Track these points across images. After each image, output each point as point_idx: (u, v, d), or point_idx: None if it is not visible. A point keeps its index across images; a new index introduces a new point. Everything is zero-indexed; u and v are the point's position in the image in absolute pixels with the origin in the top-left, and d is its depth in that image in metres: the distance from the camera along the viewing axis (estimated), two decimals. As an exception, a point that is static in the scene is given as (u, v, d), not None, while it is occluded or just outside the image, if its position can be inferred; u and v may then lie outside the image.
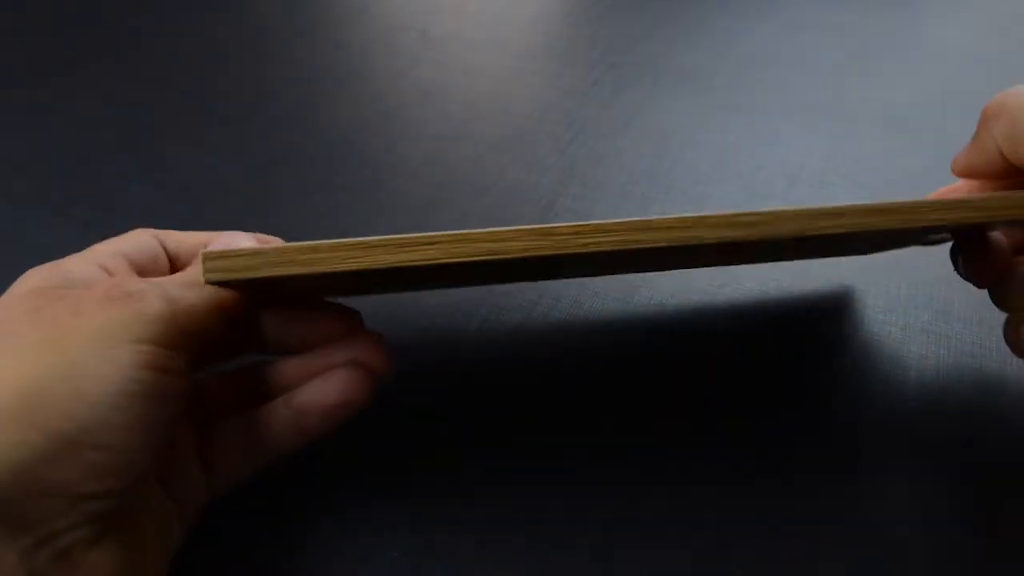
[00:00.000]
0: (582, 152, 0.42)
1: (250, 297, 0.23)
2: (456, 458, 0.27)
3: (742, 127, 0.44)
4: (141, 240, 0.23)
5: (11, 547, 0.16)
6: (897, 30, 0.56)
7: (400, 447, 0.27)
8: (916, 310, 0.33)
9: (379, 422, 0.27)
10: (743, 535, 0.25)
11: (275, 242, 0.24)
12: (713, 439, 0.28)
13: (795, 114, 0.46)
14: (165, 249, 0.24)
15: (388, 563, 0.24)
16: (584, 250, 0.19)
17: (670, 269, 0.33)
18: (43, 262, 0.22)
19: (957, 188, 0.29)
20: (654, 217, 0.19)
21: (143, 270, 0.23)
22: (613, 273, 0.32)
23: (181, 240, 0.24)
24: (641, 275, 0.34)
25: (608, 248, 0.19)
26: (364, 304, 0.31)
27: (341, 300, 0.30)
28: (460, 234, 0.19)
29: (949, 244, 0.29)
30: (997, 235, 0.27)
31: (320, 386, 0.23)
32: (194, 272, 0.21)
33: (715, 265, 0.32)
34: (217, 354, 0.24)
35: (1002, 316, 0.27)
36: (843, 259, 0.35)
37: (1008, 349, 0.30)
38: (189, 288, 0.20)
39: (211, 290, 0.21)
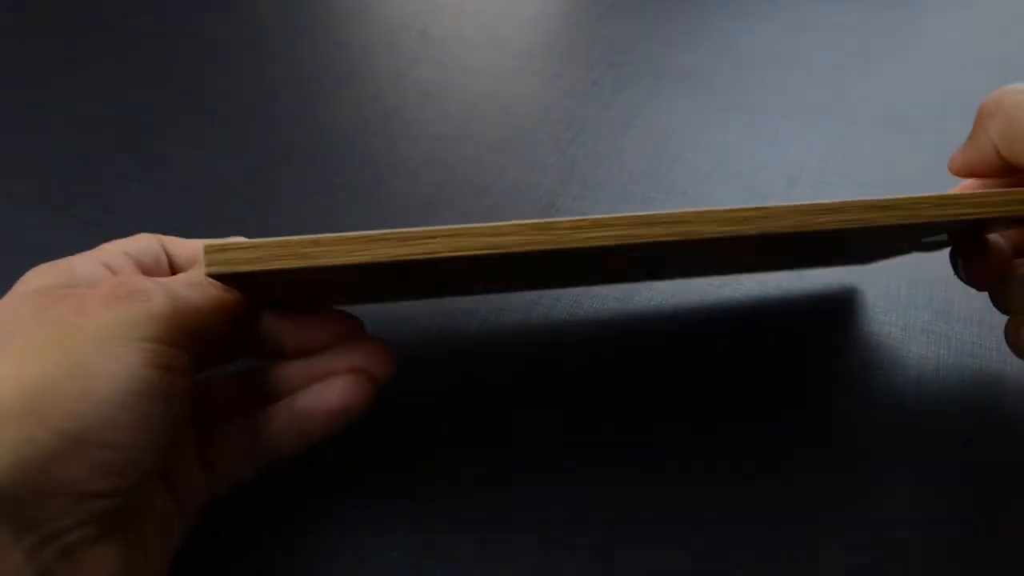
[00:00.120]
0: (582, 152, 0.42)
1: (251, 298, 0.23)
2: (456, 458, 0.27)
3: (742, 127, 0.44)
4: (145, 242, 0.23)
5: (17, 545, 0.16)
6: (897, 30, 0.56)
7: (400, 447, 0.27)
8: (916, 310, 0.33)
9: (379, 422, 0.27)
10: (743, 535, 0.25)
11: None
12: (713, 439, 0.28)
13: (795, 114, 0.46)
14: (167, 253, 0.24)
15: (388, 563, 0.24)
16: (583, 244, 0.19)
17: (669, 277, 0.33)
18: (43, 262, 0.22)
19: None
20: (653, 212, 0.19)
21: (146, 271, 0.23)
22: (611, 282, 0.32)
23: (183, 246, 0.24)
24: (641, 275, 0.34)
25: (607, 243, 0.19)
26: (364, 305, 0.31)
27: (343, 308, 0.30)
28: (460, 228, 0.19)
29: (948, 249, 0.29)
30: (996, 237, 0.27)
31: (322, 390, 0.23)
32: (197, 273, 0.21)
33: (715, 273, 0.32)
34: (218, 356, 0.24)
35: (1002, 316, 0.27)
36: (843, 260, 0.35)
37: (1008, 349, 0.30)
38: (193, 287, 0.20)
39: (213, 290, 0.21)
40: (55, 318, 0.19)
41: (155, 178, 0.39)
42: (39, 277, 0.21)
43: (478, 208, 0.38)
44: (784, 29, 0.55)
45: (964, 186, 0.28)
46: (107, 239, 0.26)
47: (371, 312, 0.31)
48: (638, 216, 0.19)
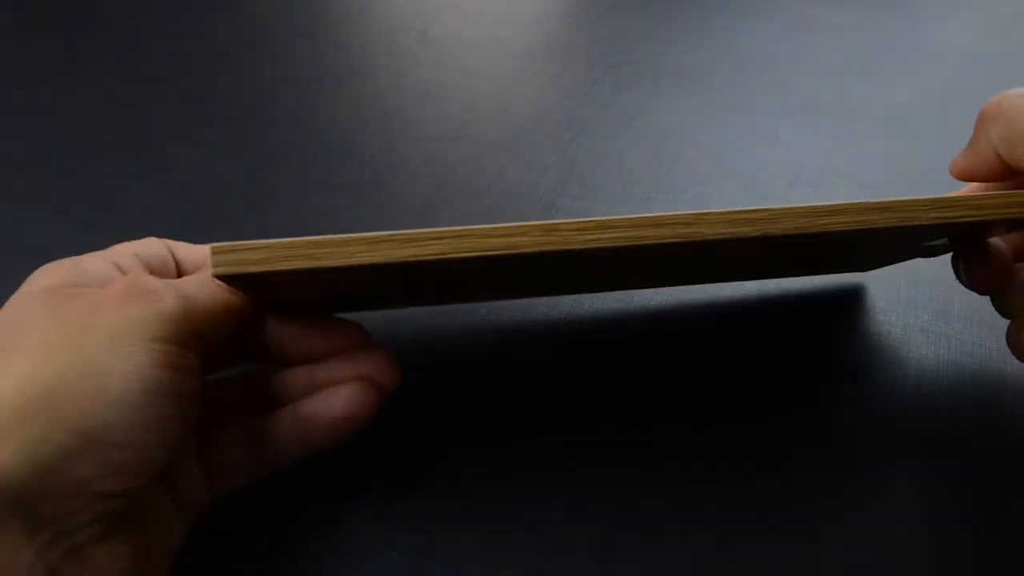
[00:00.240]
0: (582, 152, 0.42)
1: (256, 302, 0.23)
2: (456, 458, 0.27)
3: (742, 127, 0.44)
4: (153, 246, 0.24)
5: (28, 544, 0.16)
6: (897, 30, 0.56)
7: (400, 447, 0.27)
8: (916, 310, 0.33)
9: (379, 422, 0.27)
10: (743, 535, 0.25)
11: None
12: (713, 439, 0.28)
13: (795, 114, 0.46)
14: (174, 257, 0.24)
15: (388, 563, 0.24)
16: (588, 246, 0.19)
17: (670, 284, 0.33)
18: (43, 262, 0.22)
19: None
20: (657, 214, 0.20)
21: (154, 273, 0.23)
22: (611, 288, 0.32)
23: (189, 250, 0.25)
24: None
25: (613, 244, 0.19)
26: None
27: (346, 315, 0.30)
28: (466, 229, 0.19)
29: (950, 254, 0.29)
30: (997, 241, 0.27)
31: (327, 398, 0.23)
32: (205, 275, 0.21)
33: (716, 280, 0.32)
34: (223, 359, 0.24)
35: (1002, 317, 0.27)
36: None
37: (1008, 349, 0.30)
38: (201, 289, 0.21)
39: (220, 293, 0.21)
40: (67, 317, 0.19)
41: (155, 178, 0.39)
42: (49, 276, 0.21)
43: (478, 208, 0.38)
44: (784, 29, 0.55)
45: (966, 190, 0.28)
46: (107, 239, 0.26)
47: (371, 313, 0.31)
48: (643, 218, 0.19)
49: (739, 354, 0.31)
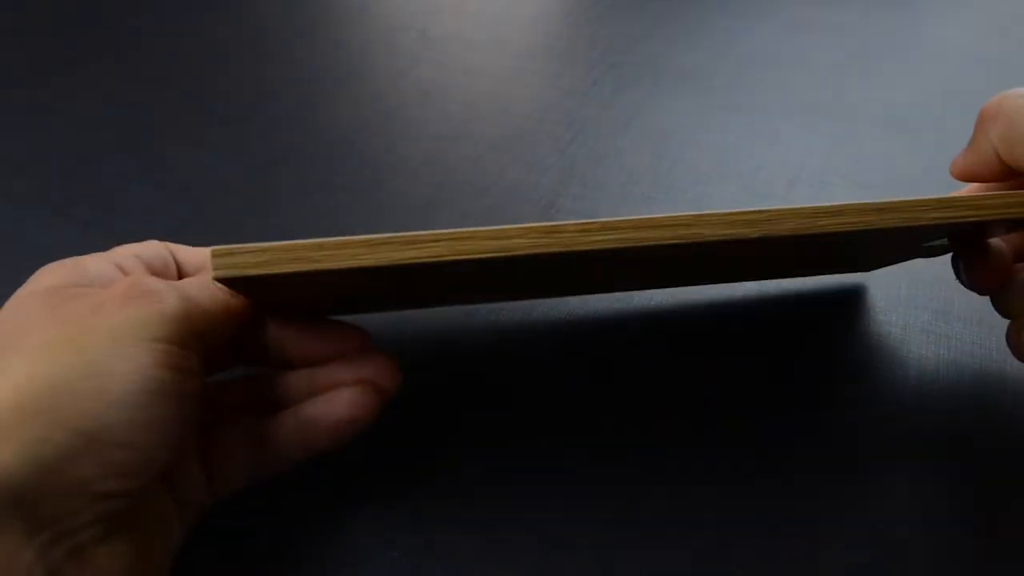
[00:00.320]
0: (582, 152, 0.42)
1: (256, 305, 0.23)
2: (456, 458, 0.27)
3: (742, 127, 0.44)
4: (154, 248, 0.24)
5: (29, 544, 0.16)
6: (897, 30, 0.56)
7: (400, 447, 0.27)
8: (916, 310, 0.33)
9: (379, 422, 0.27)
10: (743, 535, 0.25)
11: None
12: (713, 439, 0.28)
13: (795, 114, 0.46)
14: (175, 260, 0.24)
15: (388, 563, 0.24)
16: (590, 247, 0.19)
17: (670, 285, 0.33)
18: (43, 262, 0.22)
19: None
20: (658, 215, 0.20)
21: (156, 275, 0.23)
22: (611, 290, 0.32)
23: (190, 253, 0.25)
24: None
25: (613, 246, 0.19)
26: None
27: (346, 318, 0.30)
28: (467, 231, 0.19)
29: (950, 254, 0.29)
30: (997, 242, 0.27)
31: (329, 401, 0.23)
32: (205, 277, 0.21)
33: (716, 281, 0.32)
34: (224, 361, 0.24)
35: (1002, 317, 0.27)
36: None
37: (1008, 349, 0.30)
38: (202, 290, 0.21)
39: (221, 294, 0.21)
40: (69, 317, 0.19)
41: (155, 178, 0.39)
42: (50, 275, 0.21)
43: (478, 208, 0.38)
44: (784, 29, 0.55)
45: (966, 190, 0.28)
46: (107, 239, 0.26)
47: (371, 313, 0.31)
48: (643, 219, 0.19)
49: (739, 354, 0.31)
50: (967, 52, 0.53)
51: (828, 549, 0.24)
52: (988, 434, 0.28)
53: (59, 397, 0.17)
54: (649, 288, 0.33)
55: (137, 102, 0.45)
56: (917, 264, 0.35)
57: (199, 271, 0.24)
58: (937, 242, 0.27)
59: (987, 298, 0.28)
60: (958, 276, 0.28)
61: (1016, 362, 0.31)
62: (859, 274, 0.35)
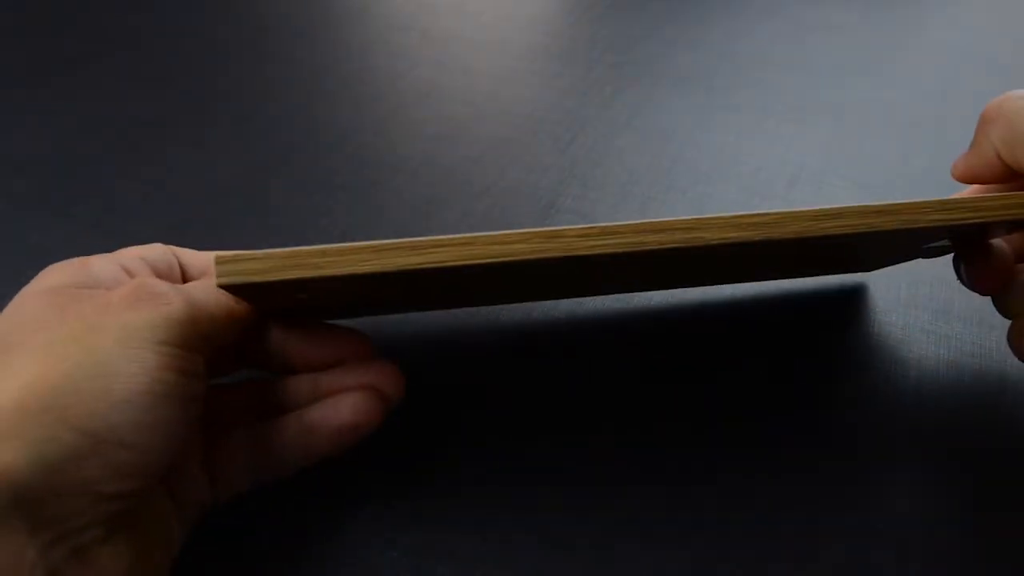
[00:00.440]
0: (582, 152, 0.42)
1: (259, 309, 0.23)
2: (456, 458, 0.27)
3: (742, 127, 0.44)
4: (159, 251, 0.24)
5: (31, 544, 0.16)
6: (897, 30, 0.56)
7: (400, 447, 0.27)
8: (916, 310, 0.33)
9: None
10: (743, 535, 0.25)
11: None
12: (713, 439, 0.28)
13: (795, 114, 0.46)
14: (179, 263, 0.24)
15: (388, 563, 0.24)
16: (591, 252, 0.19)
17: (671, 286, 0.33)
18: (43, 262, 0.22)
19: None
20: (659, 219, 0.20)
21: (160, 277, 0.23)
22: (611, 292, 0.32)
23: (194, 256, 0.25)
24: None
25: (614, 250, 0.19)
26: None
27: (347, 321, 0.30)
28: (469, 237, 0.19)
29: (951, 255, 0.29)
30: (999, 242, 0.27)
31: (333, 406, 0.23)
32: (210, 282, 0.21)
33: (716, 282, 0.32)
34: (226, 365, 0.24)
35: (1003, 317, 0.27)
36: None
37: (1009, 349, 0.30)
38: (207, 294, 0.21)
39: (226, 298, 0.21)
40: (75, 317, 0.19)
41: (155, 178, 0.39)
42: (55, 275, 0.21)
43: (478, 208, 0.38)
44: (784, 29, 0.55)
45: (967, 192, 0.28)
46: (107, 239, 0.26)
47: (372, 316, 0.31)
48: (645, 223, 0.20)
49: (739, 354, 0.31)
50: (967, 52, 0.53)
51: (828, 549, 0.24)
52: (988, 434, 0.28)
53: (65, 397, 0.17)
54: (649, 289, 0.33)
55: (137, 102, 0.45)
56: (917, 264, 0.35)
57: (203, 275, 0.24)
58: (938, 243, 0.27)
59: (987, 298, 0.28)
60: (959, 277, 0.28)
61: (1016, 362, 0.31)
62: (859, 274, 0.35)
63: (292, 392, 0.24)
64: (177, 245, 0.35)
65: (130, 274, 0.22)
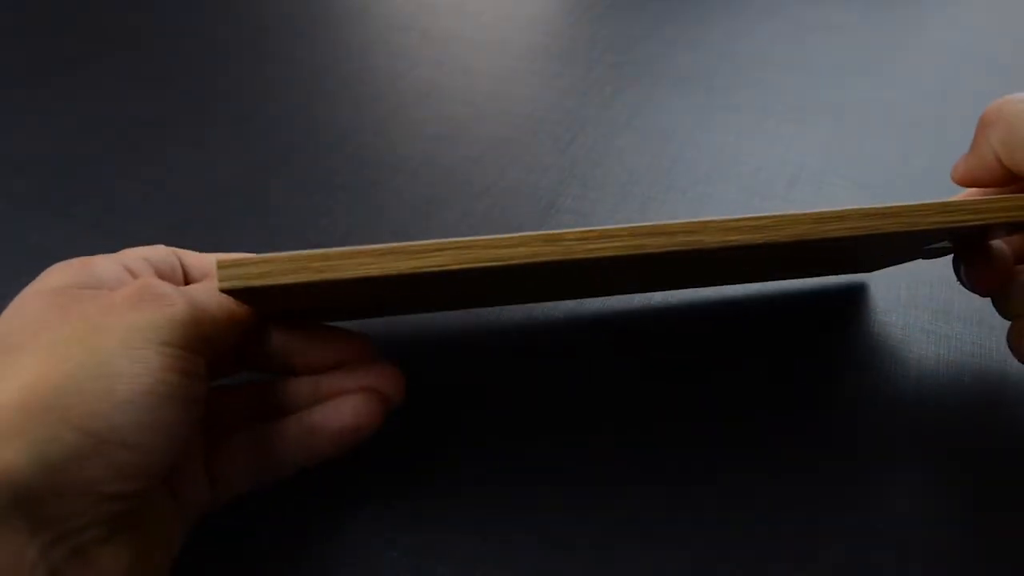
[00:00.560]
0: (582, 152, 0.42)
1: (261, 312, 0.23)
2: (456, 458, 0.27)
3: (742, 127, 0.44)
4: (162, 252, 0.24)
5: (31, 543, 0.16)
6: (897, 30, 0.56)
7: (400, 447, 0.27)
8: (916, 310, 0.33)
9: (379, 422, 0.27)
10: (743, 535, 0.25)
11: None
12: (713, 439, 0.28)
13: (795, 114, 0.46)
14: (182, 265, 0.24)
15: (388, 563, 0.24)
16: (590, 255, 0.19)
17: (671, 287, 0.33)
18: (43, 262, 0.22)
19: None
20: (659, 223, 0.20)
21: (163, 278, 0.23)
22: (612, 293, 0.32)
23: (196, 258, 0.25)
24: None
25: (614, 253, 0.19)
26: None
27: (348, 322, 0.30)
28: (469, 241, 0.19)
29: (951, 256, 0.29)
30: (999, 243, 0.27)
31: (333, 408, 0.23)
32: (212, 284, 0.22)
33: (716, 283, 0.32)
34: (227, 367, 0.24)
35: (1002, 317, 0.28)
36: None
37: (1008, 349, 0.30)
38: (210, 296, 0.21)
39: (227, 301, 0.21)
40: (79, 317, 0.19)
41: (155, 178, 0.39)
42: (58, 275, 0.21)
43: (478, 208, 0.38)
44: (784, 29, 0.55)
45: (967, 194, 0.28)
46: (107, 239, 0.26)
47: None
48: (644, 227, 0.20)
49: (739, 354, 0.31)
50: (967, 52, 0.53)
51: (828, 549, 0.24)
52: (988, 434, 0.28)
53: (67, 396, 0.17)
54: (650, 290, 0.33)
55: (137, 102, 0.45)
56: (917, 264, 0.35)
57: (205, 277, 0.24)
58: (939, 244, 0.27)
59: (987, 299, 0.28)
60: (959, 277, 0.28)
61: (1016, 362, 0.31)
62: (859, 274, 0.35)
63: (293, 394, 0.24)
64: (177, 245, 0.35)
65: (133, 275, 0.22)
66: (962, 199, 0.22)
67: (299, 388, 0.24)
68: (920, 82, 0.49)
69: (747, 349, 0.31)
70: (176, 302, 0.20)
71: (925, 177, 0.41)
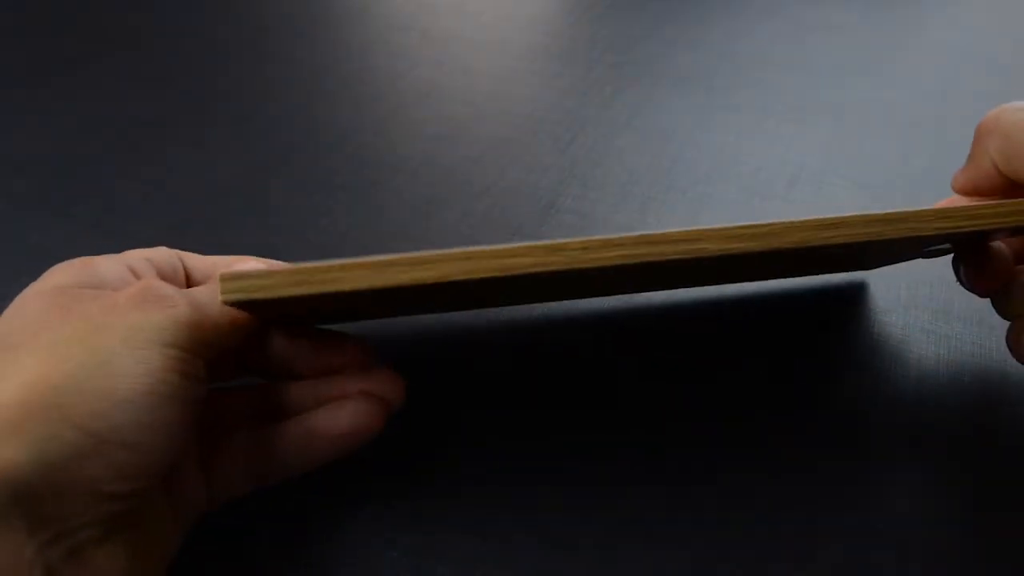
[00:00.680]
0: (582, 152, 0.42)
1: (262, 318, 0.23)
2: (456, 458, 0.27)
3: (742, 127, 0.44)
4: (165, 254, 0.24)
5: (29, 542, 0.16)
6: (897, 30, 0.56)
7: (400, 447, 0.27)
8: (916, 310, 0.33)
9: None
10: (743, 535, 0.25)
11: (282, 267, 0.25)
12: (713, 439, 0.28)
13: (795, 114, 0.46)
14: (184, 266, 0.24)
15: (388, 563, 0.24)
16: (593, 264, 0.19)
17: (671, 288, 0.33)
18: (43, 262, 0.22)
19: (958, 200, 0.29)
20: (660, 231, 0.20)
21: (165, 280, 0.23)
22: (612, 294, 0.32)
23: (198, 260, 0.25)
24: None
25: (616, 262, 0.20)
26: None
27: (348, 324, 0.30)
28: (472, 251, 0.19)
29: (951, 256, 0.29)
30: (999, 244, 0.27)
31: (333, 411, 0.23)
32: (214, 288, 0.22)
33: (716, 283, 0.32)
34: (228, 370, 0.24)
35: (1002, 318, 0.28)
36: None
37: (1008, 349, 0.30)
38: (211, 299, 0.21)
39: (228, 306, 0.21)
40: (81, 316, 0.19)
41: (155, 178, 0.39)
42: (60, 274, 0.21)
43: (478, 208, 0.38)
44: (784, 29, 0.55)
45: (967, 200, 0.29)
46: (107, 239, 0.26)
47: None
48: (646, 236, 0.20)
49: (739, 354, 0.31)
50: (967, 52, 0.53)
51: (827, 549, 0.24)
52: (988, 434, 0.28)
53: (69, 395, 0.17)
54: (650, 290, 0.33)
55: (137, 102, 0.45)
56: (917, 264, 0.35)
57: (207, 279, 0.24)
58: (939, 246, 0.27)
59: (987, 299, 0.28)
60: (959, 278, 0.28)
61: (1016, 362, 0.31)
62: (859, 273, 0.35)
63: (293, 397, 0.24)
64: (177, 245, 0.35)
65: (136, 275, 0.22)
66: (963, 206, 0.22)
67: (300, 392, 0.24)
68: (920, 82, 0.49)
69: (747, 349, 0.31)
70: (179, 304, 0.20)
71: (925, 177, 0.41)
